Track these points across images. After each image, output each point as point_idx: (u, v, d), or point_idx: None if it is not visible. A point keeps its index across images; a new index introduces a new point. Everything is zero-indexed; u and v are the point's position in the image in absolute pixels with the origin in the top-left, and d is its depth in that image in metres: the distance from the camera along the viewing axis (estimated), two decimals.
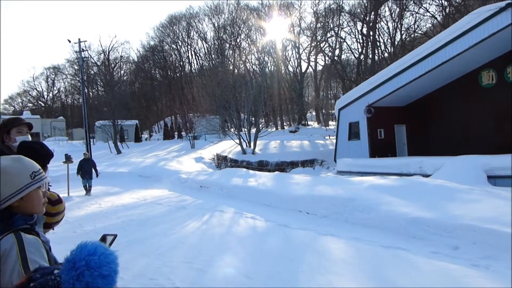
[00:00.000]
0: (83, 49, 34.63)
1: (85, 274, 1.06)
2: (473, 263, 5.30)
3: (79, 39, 33.93)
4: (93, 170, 15.25)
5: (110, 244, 1.66)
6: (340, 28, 52.33)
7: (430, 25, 46.25)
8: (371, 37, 49.29)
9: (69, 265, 1.09)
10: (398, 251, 6.01)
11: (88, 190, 15.01)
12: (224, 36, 60.80)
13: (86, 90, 43.39)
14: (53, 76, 73.10)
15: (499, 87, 17.04)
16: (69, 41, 35.93)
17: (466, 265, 5.26)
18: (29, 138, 2.71)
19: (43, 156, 2.18)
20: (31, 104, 73.71)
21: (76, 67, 59.97)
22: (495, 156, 13.09)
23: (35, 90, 74.17)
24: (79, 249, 1.12)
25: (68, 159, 15.28)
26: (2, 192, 1.43)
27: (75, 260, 1.09)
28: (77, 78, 58.76)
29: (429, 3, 44.67)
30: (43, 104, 74.64)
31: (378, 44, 50.50)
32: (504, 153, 13.89)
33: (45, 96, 74.86)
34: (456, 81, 18.70)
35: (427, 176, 12.73)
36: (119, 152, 35.77)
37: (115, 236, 1.72)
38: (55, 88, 74.92)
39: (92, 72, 59.87)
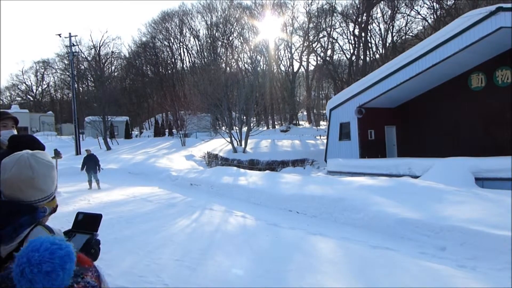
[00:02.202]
0: (73, 44, 34.27)
1: (26, 270, 1.04)
2: (460, 264, 5.37)
3: (69, 33, 33.62)
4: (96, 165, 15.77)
5: (94, 225, 1.68)
6: (332, 29, 52.47)
7: (421, 27, 46.59)
8: (363, 38, 49.54)
9: (15, 261, 1.07)
10: (386, 251, 6.05)
11: (97, 184, 15.49)
12: (216, 34, 60.60)
13: (76, 85, 42.89)
14: (43, 70, 72.02)
15: (488, 90, 17.25)
16: (59, 36, 35.45)
17: (453, 265, 5.33)
18: (14, 132, 2.62)
19: (35, 150, 2.14)
20: (19, 98, 72.48)
21: (66, 62, 59.26)
22: (483, 159, 13.25)
23: (24, 84, 73.04)
24: (27, 244, 1.09)
25: (57, 154, 15.09)
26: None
27: (18, 256, 1.07)
28: (67, 73, 58.12)
29: (420, 6, 45.09)
30: (32, 99, 73.50)
31: (369, 45, 50.79)
32: (492, 156, 14.09)
33: (34, 90, 73.75)
34: (446, 83, 18.89)
35: (416, 177, 12.85)
36: (108, 148, 35.45)
37: (99, 216, 1.72)
38: (44, 82, 73.84)
39: (83, 67, 59.26)
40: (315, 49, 55.23)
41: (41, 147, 2.23)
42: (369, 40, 50.50)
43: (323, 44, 54.52)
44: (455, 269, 5.19)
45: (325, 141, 26.00)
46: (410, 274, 5.09)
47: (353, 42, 51.69)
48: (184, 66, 65.01)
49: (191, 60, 64.12)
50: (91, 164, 15.52)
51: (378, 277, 5.02)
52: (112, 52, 64.53)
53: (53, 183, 1.51)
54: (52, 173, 1.49)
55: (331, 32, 52.66)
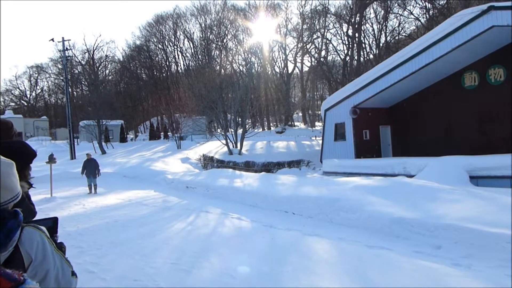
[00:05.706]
0: (67, 48, 34.11)
1: None
2: (455, 262, 5.38)
3: (62, 38, 33.45)
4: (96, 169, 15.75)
5: (52, 230, 1.63)
6: (326, 30, 52.66)
7: (414, 27, 46.82)
8: (357, 39, 49.71)
9: None
10: (382, 251, 6.06)
11: (94, 189, 15.42)
12: (210, 37, 60.63)
13: (70, 90, 42.75)
14: (36, 75, 71.67)
15: (481, 89, 17.34)
16: (53, 40, 35.08)
17: (448, 264, 5.34)
18: None
19: (26, 155, 2.13)
20: (13, 103, 71.95)
21: (59, 66, 58.99)
22: (477, 157, 13.32)
23: (17, 89, 72.66)
24: None
25: (51, 159, 15.06)
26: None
27: None
28: (61, 77, 57.78)
29: (413, 6, 45.34)
30: (26, 104, 73.13)
31: (363, 45, 50.99)
32: (486, 154, 14.17)
33: (28, 95, 73.39)
34: (439, 82, 18.96)
35: (411, 176, 12.88)
36: (103, 152, 35.32)
37: (54, 219, 1.69)
38: (38, 87, 73.49)
39: (76, 71, 59.02)
40: (309, 50, 55.41)
41: (32, 153, 2.21)
42: (363, 41, 50.73)
43: (317, 45, 54.74)
44: (451, 268, 5.21)
45: (320, 142, 26.05)
46: (405, 273, 5.09)
47: (346, 42, 51.91)
48: (179, 68, 65.01)
49: (186, 63, 64.15)
50: (91, 168, 15.51)
51: (374, 277, 5.03)
52: (106, 55, 64.45)
53: (17, 181, 1.45)
54: (14, 170, 1.42)
55: (325, 33, 52.88)
